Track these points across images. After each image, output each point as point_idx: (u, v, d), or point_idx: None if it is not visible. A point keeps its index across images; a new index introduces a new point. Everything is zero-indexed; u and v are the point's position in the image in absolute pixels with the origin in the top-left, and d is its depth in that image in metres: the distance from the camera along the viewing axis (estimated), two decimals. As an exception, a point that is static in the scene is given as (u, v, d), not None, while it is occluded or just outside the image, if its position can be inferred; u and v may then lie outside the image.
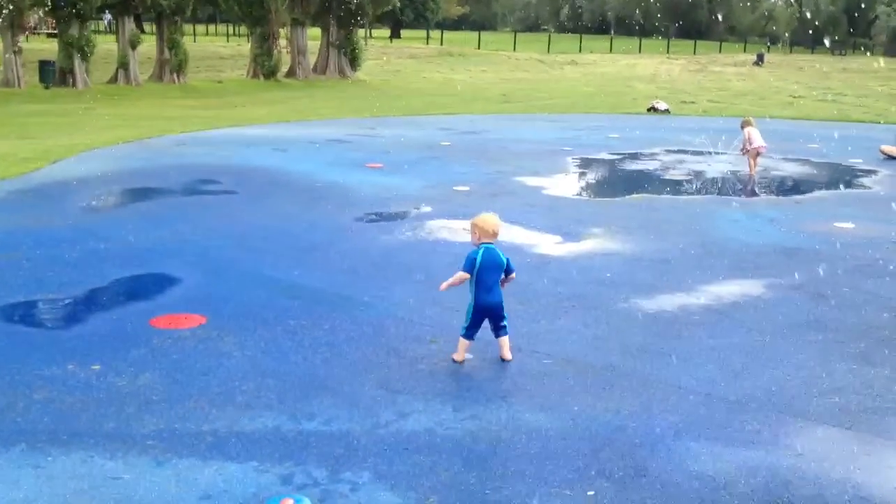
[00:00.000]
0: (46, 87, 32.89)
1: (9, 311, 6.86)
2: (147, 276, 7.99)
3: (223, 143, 17.31)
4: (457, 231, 9.92)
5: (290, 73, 42.34)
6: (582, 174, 15.42)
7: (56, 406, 5.16)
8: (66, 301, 7.24)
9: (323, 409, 5.23)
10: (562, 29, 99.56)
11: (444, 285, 6.02)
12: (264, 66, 40.18)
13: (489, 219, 5.99)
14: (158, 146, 16.61)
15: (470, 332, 6.00)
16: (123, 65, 35.69)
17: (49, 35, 52.61)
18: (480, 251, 5.93)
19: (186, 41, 39.47)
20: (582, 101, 31.71)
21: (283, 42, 42.38)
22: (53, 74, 33.45)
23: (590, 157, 17.11)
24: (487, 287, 5.90)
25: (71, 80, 33.55)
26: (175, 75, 37.38)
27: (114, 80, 35.85)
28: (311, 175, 13.55)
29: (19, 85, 32.35)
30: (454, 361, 6.00)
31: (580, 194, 13.44)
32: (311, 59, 43.87)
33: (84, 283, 7.68)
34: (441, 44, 68.87)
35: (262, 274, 8.12)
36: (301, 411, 5.19)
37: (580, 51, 69.52)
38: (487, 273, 5.90)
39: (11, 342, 6.20)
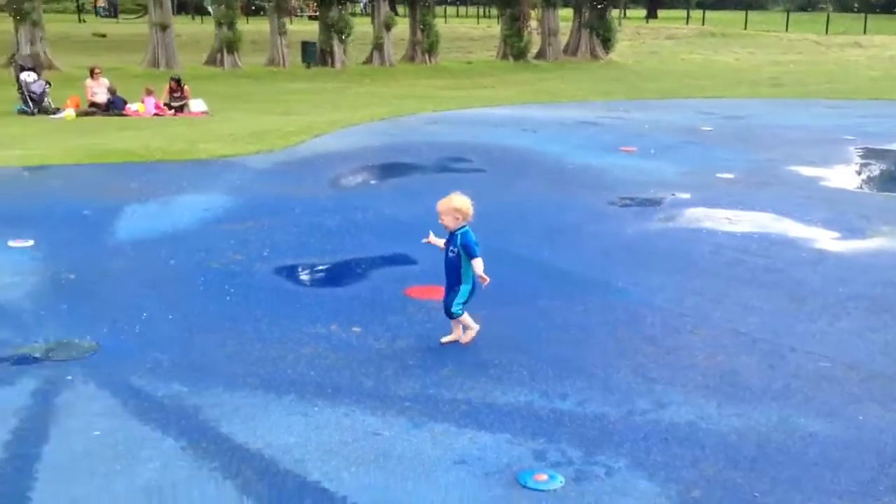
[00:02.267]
0: (308, 67, 34.91)
1: (280, 273, 7.26)
2: (402, 246, 8.18)
3: (473, 122, 17.56)
4: (720, 220, 9.41)
5: (540, 55, 42.37)
6: (866, 165, 14.10)
7: (321, 362, 5.37)
8: (329, 265, 7.57)
9: (576, 390, 5.11)
10: (843, 7, 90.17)
11: (484, 275, 5.66)
12: (514, 48, 40.47)
13: (468, 202, 5.74)
14: (411, 124, 17.10)
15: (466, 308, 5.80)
16: (378, 46, 37.20)
17: (310, 17, 55.91)
18: (471, 233, 5.72)
19: (438, 23, 40.53)
20: (867, 87, 28.93)
21: (533, 23, 42.49)
22: (314, 55, 35.45)
23: (876, 147, 15.46)
24: None
25: (330, 60, 35.44)
26: (426, 56, 38.49)
27: (369, 60, 37.45)
28: (562, 156, 13.42)
29: (283, 64, 34.59)
30: (463, 343, 5.76)
31: (864, 187, 12.30)
32: (562, 39, 43.67)
33: (344, 249, 8.01)
34: (702, 24, 65.85)
35: (511, 252, 8.10)
36: (553, 390, 5.09)
37: (865, 32, 63.65)
38: None
39: (282, 300, 6.55)
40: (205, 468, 4.05)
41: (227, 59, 33.60)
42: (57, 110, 18.80)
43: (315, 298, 6.63)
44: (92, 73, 19.74)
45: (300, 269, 7.44)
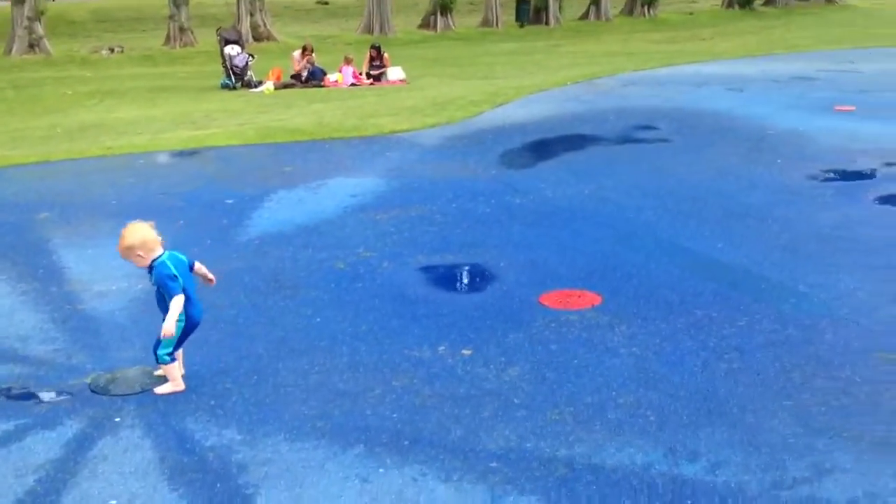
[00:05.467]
0: (521, 26, 34.13)
1: (405, 275, 6.51)
2: (552, 239, 7.27)
3: (674, 82, 16.16)
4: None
5: (769, 1, 39.20)
6: None
7: (410, 399, 4.61)
8: (461, 265, 6.79)
9: (712, 445, 4.06)
10: None
11: (170, 327, 4.51)
12: (740, -7, 37.66)
13: (143, 230, 4.57)
14: (605, 87, 15.95)
15: (173, 354, 4.68)
16: (595, 0, 35.75)
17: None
18: (168, 262, 4.57)
19: (659, -29, 38.34)
20: None
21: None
22: (528, 13, 34.59)
23: None
24: (192, 298, 4.66)
25: (544, 18, 34.43)
26: (645, 8, 36.62)
27: (584, 16, 36.12)
28: (765, 120, 11.89)
29: (497, 24, 33.94)
30: (166, 394, 4.66)
31: None
32: (795, -18, 40.17)
33: (486, 243, 7.19)
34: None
35: (678, 245, 6.98)
36: (682, 445, 4.07)
37: None
38: (188, 281, 4.67)
39: (395, 312, 5.77)
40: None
41: (439, 21, 33.38)
42: (259, 83, 19.06)
43: (433, 309, 5.84)
44: (304, 51, 19.73)
45: (428, 271, 6.68)
